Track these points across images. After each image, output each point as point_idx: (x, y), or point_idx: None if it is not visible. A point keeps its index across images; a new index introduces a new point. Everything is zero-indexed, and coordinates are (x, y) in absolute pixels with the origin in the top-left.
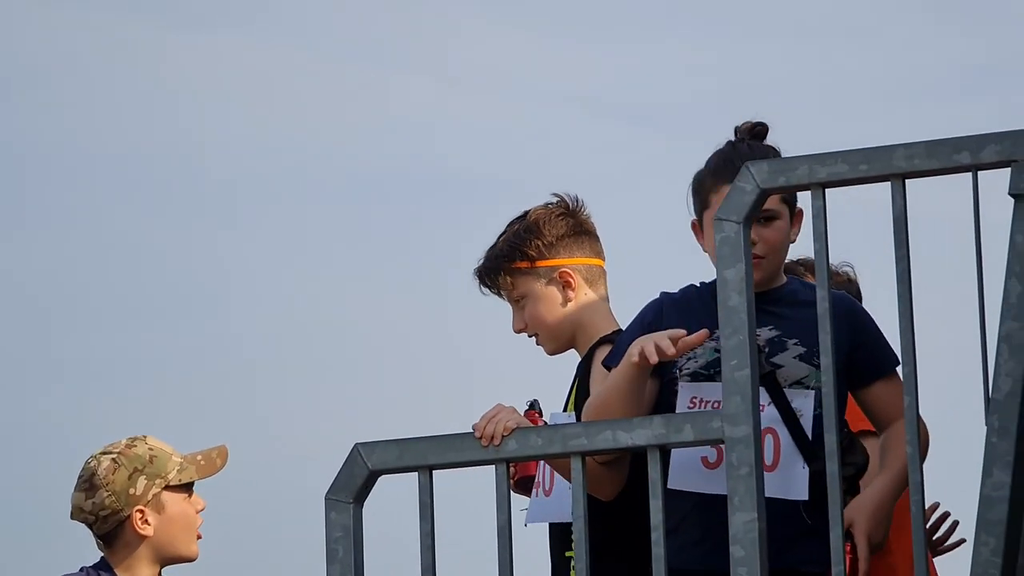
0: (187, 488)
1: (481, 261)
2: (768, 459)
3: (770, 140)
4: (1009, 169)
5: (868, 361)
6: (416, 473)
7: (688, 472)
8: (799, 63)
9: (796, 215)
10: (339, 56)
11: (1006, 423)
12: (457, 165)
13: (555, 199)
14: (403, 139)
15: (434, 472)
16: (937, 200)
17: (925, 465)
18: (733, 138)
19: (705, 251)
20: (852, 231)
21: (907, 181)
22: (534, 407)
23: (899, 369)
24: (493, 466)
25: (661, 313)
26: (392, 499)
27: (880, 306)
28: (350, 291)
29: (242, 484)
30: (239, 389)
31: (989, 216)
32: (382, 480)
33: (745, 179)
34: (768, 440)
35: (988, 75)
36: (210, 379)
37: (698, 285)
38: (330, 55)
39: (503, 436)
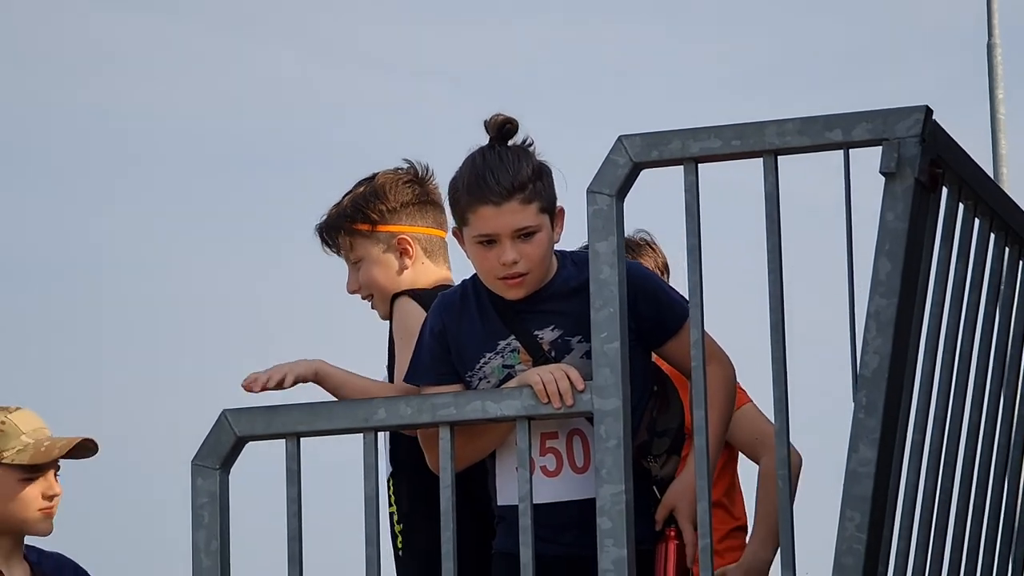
0: (32, 469)
1: (323, 218)
2: (579, 462)
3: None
4: (880, 148)
5: (660, 323)
6: (284, 440)
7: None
8: (662, 48)
9: (557, 216)
10: None
11: (873, 400)
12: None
13: (405, 164)
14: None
15: (302, 440)
16: (809, 179)
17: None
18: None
19: (469, 257)
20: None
21: (779, 158)
22: None
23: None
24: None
25: (442, 319)
26: (262, 465)
27: (754, 281)
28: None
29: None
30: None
31: (860, 194)
32: (252, 446)
33: (618, 152)
34: (576, 442)
35: (857, 62)
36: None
37: (469, 284)
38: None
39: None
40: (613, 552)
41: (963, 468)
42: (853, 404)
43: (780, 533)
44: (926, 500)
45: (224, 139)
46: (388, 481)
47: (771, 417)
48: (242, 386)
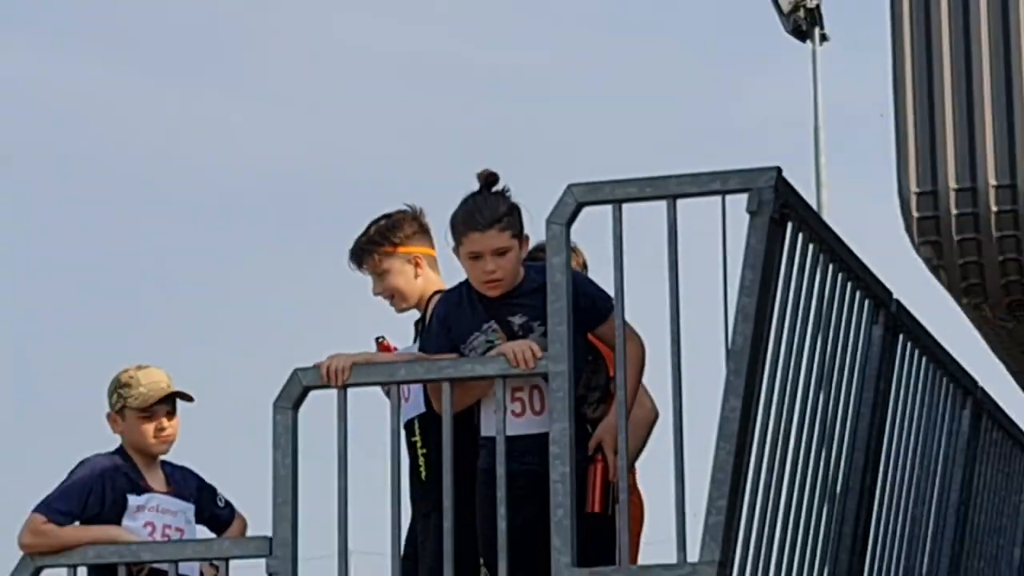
0: (145, 411)
1: (357, 244)
2: (537, 407)
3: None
4: (747, 194)
5: (594, 312)
6: (336, 391)
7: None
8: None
9: (524, 241)
10: None
11: (739, 367)
12: None
13: (407, 207)
14: None
15: (348, 390)
16: (698, 218)
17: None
18: (477, 184)
19: (463, 267)
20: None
21: (678, 201)
22: (384, 339)
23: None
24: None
25: (446, 309)
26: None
27: (661, 286)
28: None
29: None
30: None
31: (733, 227)
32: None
33: (568, 195)
34: (535, 393)
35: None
36: None
37: (464, 285)
38: None
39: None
40: (560, 469)
41: (799, 413)
42: (725, 370)
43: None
44: (773, 435)
45: None
46: (415, 420)
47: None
48: (322, 374)
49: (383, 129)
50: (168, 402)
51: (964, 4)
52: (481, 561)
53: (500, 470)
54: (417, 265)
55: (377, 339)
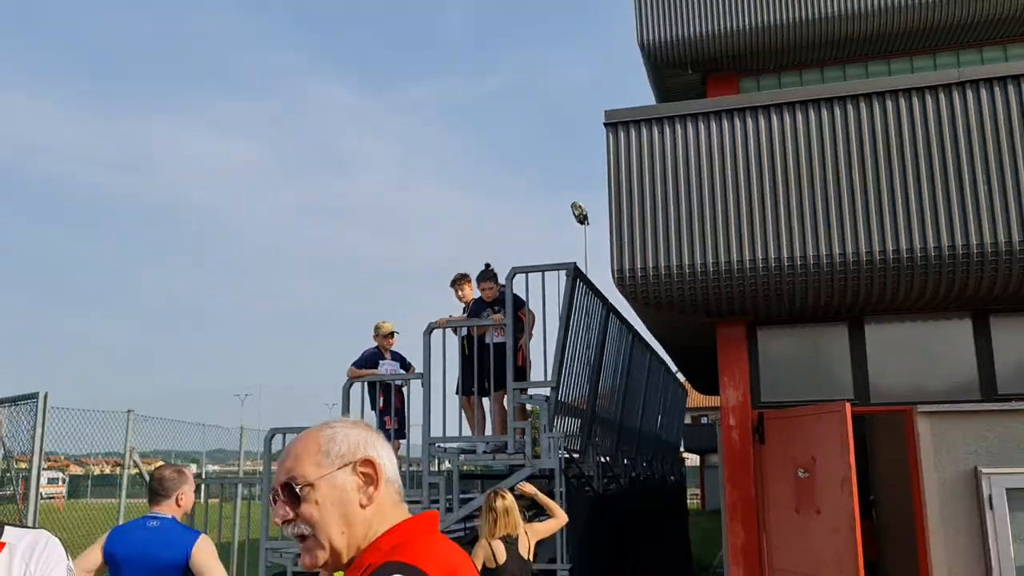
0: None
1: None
2: None
3: None
4: (565, 271)
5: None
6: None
7: None
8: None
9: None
10: None
11: (558, 368)
12: None
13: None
14: None
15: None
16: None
17: None
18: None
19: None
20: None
21: (546, 274)
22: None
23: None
24: None
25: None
26: None
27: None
28: None
29: None
30: None
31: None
32: None
33: (509, 272)
34: None
35: None
36: None
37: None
38: None
39: None
40: None
41: (587, 350)
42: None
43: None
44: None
45: None
46: None
47: None
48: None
49: None
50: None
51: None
52: None
53: None
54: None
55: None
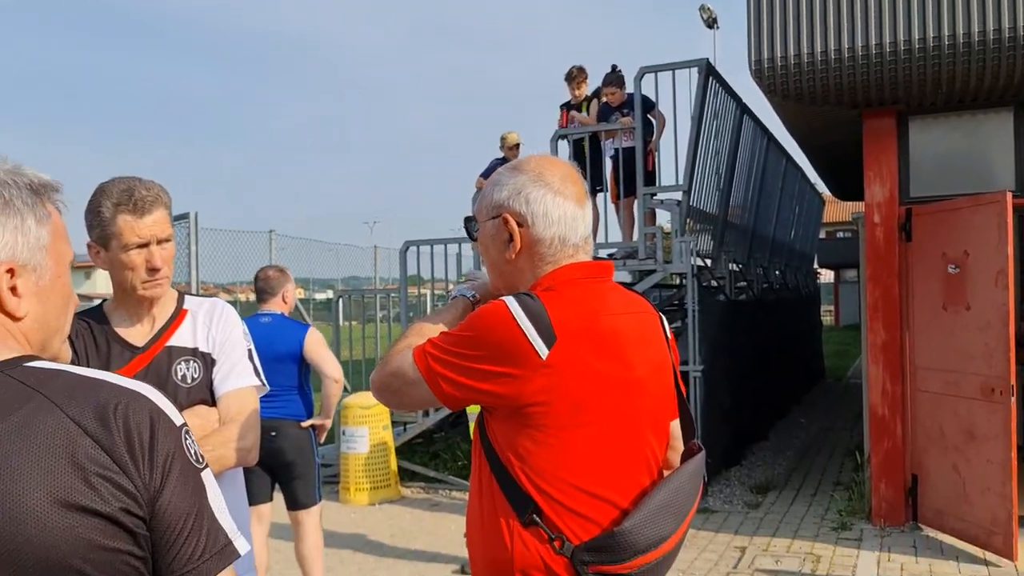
0: None
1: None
2: None
3: None
4: (697, 66)
5: None
6: None
7: None
8: None
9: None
10: None
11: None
12: None
13: None
14: None
15: None
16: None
17: None
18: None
19: None
20: None
21: (676, 72)
22: None
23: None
24: None
25: None
26: None
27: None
28: None
29: None
30: None
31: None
32: None
33: (634, 76)
34: None
35: None
36: None
37: None
38: None
39: None
40: None
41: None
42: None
43: None
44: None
45: None
46: None
47: None
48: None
49: None
50: None
51: None
52: None
53: None
54: None
55: None
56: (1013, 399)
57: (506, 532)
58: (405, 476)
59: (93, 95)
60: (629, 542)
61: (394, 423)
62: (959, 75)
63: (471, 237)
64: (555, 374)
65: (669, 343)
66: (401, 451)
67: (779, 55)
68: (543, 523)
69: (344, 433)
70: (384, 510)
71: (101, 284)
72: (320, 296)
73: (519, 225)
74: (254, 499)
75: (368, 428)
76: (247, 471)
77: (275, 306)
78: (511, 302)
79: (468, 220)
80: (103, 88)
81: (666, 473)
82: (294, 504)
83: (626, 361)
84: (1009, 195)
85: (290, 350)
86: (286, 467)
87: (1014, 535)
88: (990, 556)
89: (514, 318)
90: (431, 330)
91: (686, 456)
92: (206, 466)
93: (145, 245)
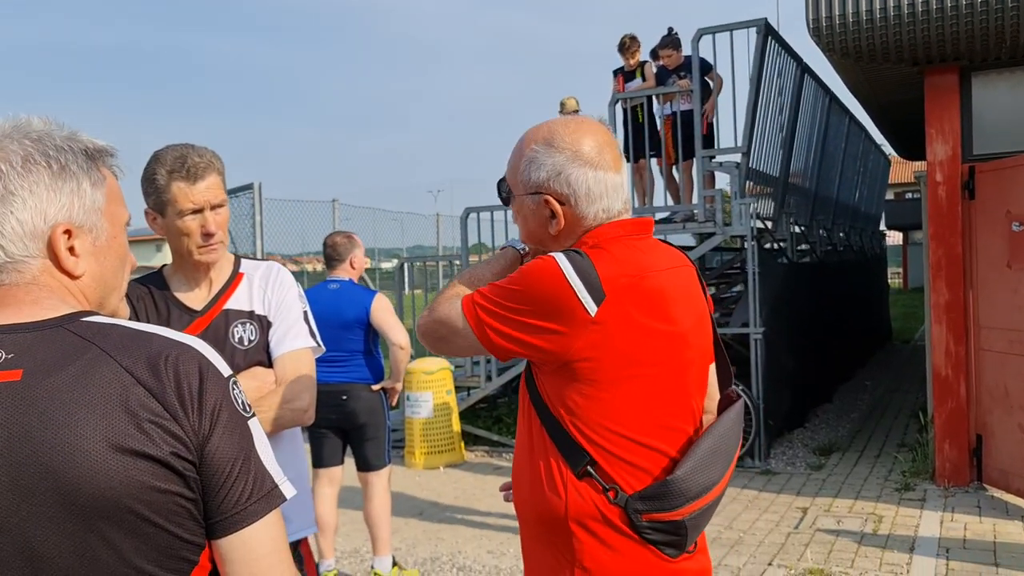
0: None
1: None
2: None
3: None
4: (755, 27)
5: None
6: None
7: None
8: None
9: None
10: None
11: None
12: None
13: None
14: None
15: None
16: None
17: None
18: None
19: None
20: None
21: (734, 33)
22: None
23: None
24: None
25: None
26: None
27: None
28: None
29: None
30: None
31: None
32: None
33: (691, 38)
34: None
35: None
36: None
37: None
38: None
39: None
40: None
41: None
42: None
43: None
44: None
45: None
46: None
47: None
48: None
49: None
50: None
51: None
52: None
53: None
54: None
55: None
56: None
57: (560, 483)
58: (469, 440)
59: (160, 69)
60: (681, 489)
61: (457, 388)
62: (1023, 28)
63: (504, 202)
64: (603, 331)
65: (706, 294)
66: (464, 415)
67: (837, 13)
68: (596, 474)
69: (408, 398)
70: (448, 474)
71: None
72: (386, 265)
73: (561, 204)
74: (325, 461)
75: (432, 393)
76: (319, 435)
77: (343, 272)
78: (561, 259)
79: (501, 183)
80: (172, 61)
81: (706, 419)
82: (364, 466)
83: (671, 317)
84: None
85: (357, 316)
86: (358, 430)
87: None
88: None
89: (564, 275)
90: (480, 280)
91: (725, 403)
92: (253, 415)
93: (199, 211)
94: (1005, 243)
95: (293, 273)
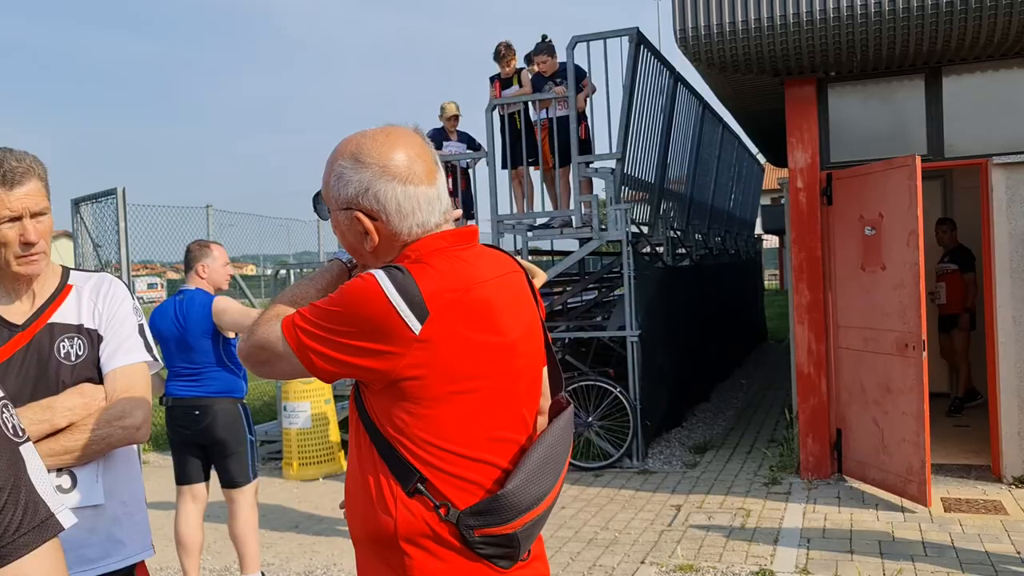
0: None
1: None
2: None
3: None
4: (628, 35)
5: None
6: None
7: None
8: None
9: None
10: None
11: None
12: None
13: None
14: None
15: None
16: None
17: None
18: None
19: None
20: None
21: (608, 41)
22: None
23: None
24: None
25: None
26: None
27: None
28: None
29: None
30: None
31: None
32: None
33: (566, 45)
34: None
35: None
36: None
37: None
38: None
39: None
40: None
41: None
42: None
43: None
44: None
45: None
46: None
47: None
48: (497, 101)
49: None
50: None
51: None
52: None
53: None
54: None
55: None
56: (924, 353)
57: (391, 502)
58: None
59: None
60: (512, 503)
61: (336, 398)
62: (872, 42)
63: (320, 216)
64: (429, 348)
65: (536, 298)
66: (344, 425)
67: (703, 24)
68: (427, 491)
69: (285, 408)
70: (326, 484)
71: None
72: (271, 272)
73: (372, 220)
74: (188, 478)
75: (310, 403)
76: (179, 452)
77: (192, 282)
78: (381, 277)
79: (317, 197)
80: (26, 55)
81: (539, 420)
82: (228, 482)
83: (499, 328)
84: (918, 159)
85: (200, 325)
86: (216, 445)
87: (927, 482)
88: (907, 503)
89: (385, 294)
90: (304, 296)
91: (555, 410)
92: (26, 440)
93: (18, 219)
94: (859, 246)
95: (169, 282)
